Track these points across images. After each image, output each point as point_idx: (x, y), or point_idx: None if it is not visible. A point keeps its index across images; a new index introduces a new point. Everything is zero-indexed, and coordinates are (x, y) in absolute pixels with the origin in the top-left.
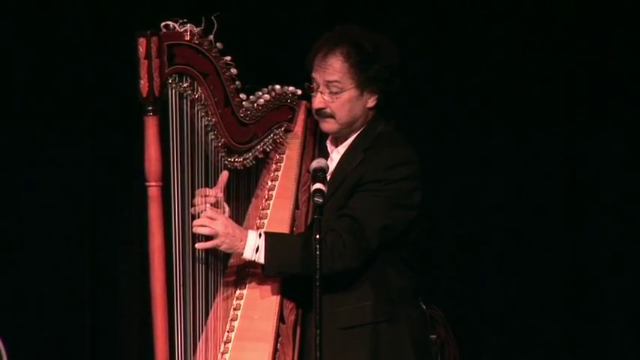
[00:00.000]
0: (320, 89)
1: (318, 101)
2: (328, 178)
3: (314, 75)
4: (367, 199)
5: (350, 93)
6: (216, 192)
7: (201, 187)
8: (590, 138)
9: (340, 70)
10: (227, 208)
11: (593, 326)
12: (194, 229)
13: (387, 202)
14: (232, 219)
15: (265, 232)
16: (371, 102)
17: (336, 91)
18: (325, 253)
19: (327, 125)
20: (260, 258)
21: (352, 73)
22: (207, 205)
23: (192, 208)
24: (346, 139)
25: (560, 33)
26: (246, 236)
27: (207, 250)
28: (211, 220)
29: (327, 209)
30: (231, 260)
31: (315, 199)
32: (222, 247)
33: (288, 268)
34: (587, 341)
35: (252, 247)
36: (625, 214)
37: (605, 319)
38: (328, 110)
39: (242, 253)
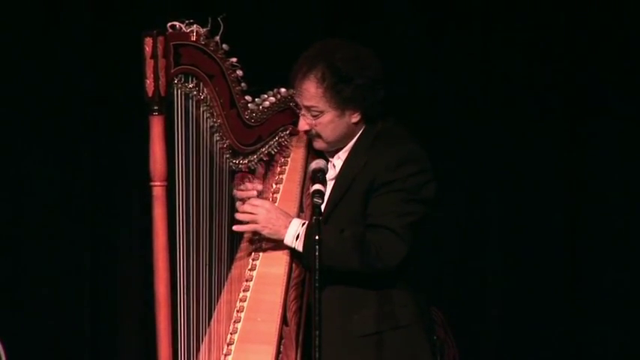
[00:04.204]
0: (302, 112)
1: (302, 124)
2: (332, 183)
3: (296, 98)
4: (386, 201)
5: (330, 115)
6: (255, 185)
7: (206, 188)
8: (590, 139)
9: (316, 95)
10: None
11: (593, 327)
12: (237, 216)
13: (405, 200)
14: (235, 222)
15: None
16: (354, 118)
17: (316, 114)
18: (370, 252)
19: (317, 144)
20: (299, 246)
21: (328, 96)
22: (254, 192)
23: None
24: (346, 145)
25: (560, 34)
26: (290, 223)
27: (211, 251)
28: (254, 206)
29: (338, 215)
30: (236, 261)
31: (315, 199)
32: (265, 232)
33: (325, 261)
34: (587, 342)
35: (293, 235)
36: (625, 214)
37: (605, 321)
38: (313, 132)
39: (283, 240)
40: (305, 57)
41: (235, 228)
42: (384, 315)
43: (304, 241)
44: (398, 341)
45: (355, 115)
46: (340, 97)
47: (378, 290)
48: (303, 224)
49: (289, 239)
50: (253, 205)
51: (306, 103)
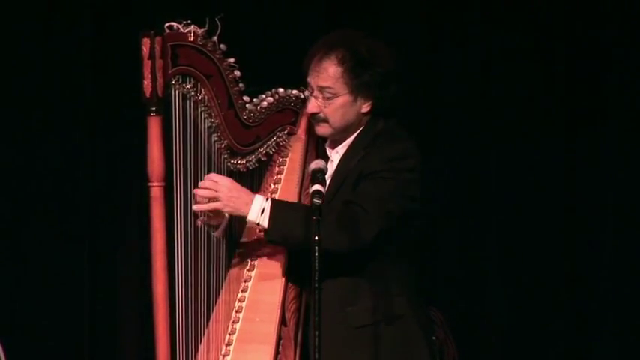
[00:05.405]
0: (314, 94)
1: (312, 106)
2: (329, 179)
3: (309, 79)
4: (369, 186)
5: (343, 98)
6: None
7: None
8: (590, 138)
9: (334, 76)
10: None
11: (592, 327)
12: (195, 191)
13: (388, 191)
14: (234, 222)
15: (273, 198)
16: (365, 107)
17: (329, 96)
18: (332, 226)
19: (321, 129)
20: (264, 221)
21: (346, 78)
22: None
23: (195, 206)
24: (345, 140)
25: (560, 32)
26: (252, 200)
27: (209, 251)
28: (215, 183)
29: None
30: (234, 262)
31: (314, 200)
32: (226, 210)
33: (292, 236)
34: (586, 342)
35: (258, 210)
36: (625, 214)
37: (604, 321)
38: (322, 115)
39: (246, 217)
40: (325, 40)
41: (195, 208)
42: (380, 306)
43: (270, 214)
44: (393, 331)
45: (367, 104)
46: (357, 81)
47: (373, 284)
48: (267, 199)
49: (253, 215)
50: (213, 181)
51: (322, 84)
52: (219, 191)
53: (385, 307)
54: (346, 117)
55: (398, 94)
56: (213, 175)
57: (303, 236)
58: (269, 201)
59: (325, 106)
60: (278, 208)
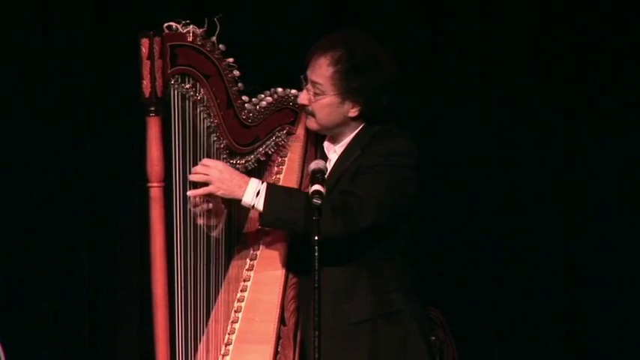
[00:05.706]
0: (307, 86)
1: (302, 97)
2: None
3: (307, 72)
4: (365, 180)
5: (330, 99)
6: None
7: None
8: (589, 137)
9: (324, 74)
10: (225, 210)
11: (592, 328)
12: (189, 177)
13: (383, 184)
14: (232, 222)
15: (269, 182)
16: (353, 112)
17: (318, 92)
18: (327, 213)
19: (309, 123)
20: (259, 203)
21: (335, 79)
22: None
23: (190, 192)
24: (343, 140)
25: (560, 32)
26: (246, 182)
27: (208, 252)
28: (206, 167)
29: None
30: (233, 261)
31: (314, 200)
32: (219, 194)
33: (286, 218)
34: (586, 343)
35: (253, 192)
36: (625, 214)
37: (604, 321)
38: (310, 109)
39: (241, 200)
40: (329, 37)
41: (190, 193)
42: (376, 302)
43: (265, 196)
44: (390, 327)
45: (354, 109)
46: (346, 84)
47: (369, 279)
48: (263, 182)
49: (249, 197)
50: (205, 166)
51: (314, 78)
52: (210, 174)
53: (382, 303)
54: (331, 117)
55: (389, 105)
56: (206, 160)
57: (298, 219)
58: (265, 184)
59: (314, 101)
60: (274, 190)
